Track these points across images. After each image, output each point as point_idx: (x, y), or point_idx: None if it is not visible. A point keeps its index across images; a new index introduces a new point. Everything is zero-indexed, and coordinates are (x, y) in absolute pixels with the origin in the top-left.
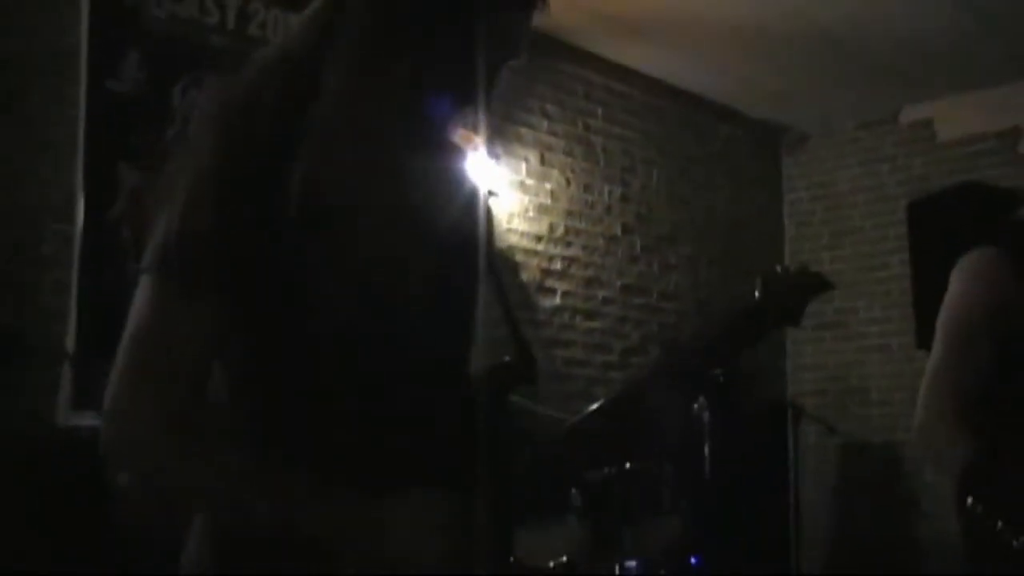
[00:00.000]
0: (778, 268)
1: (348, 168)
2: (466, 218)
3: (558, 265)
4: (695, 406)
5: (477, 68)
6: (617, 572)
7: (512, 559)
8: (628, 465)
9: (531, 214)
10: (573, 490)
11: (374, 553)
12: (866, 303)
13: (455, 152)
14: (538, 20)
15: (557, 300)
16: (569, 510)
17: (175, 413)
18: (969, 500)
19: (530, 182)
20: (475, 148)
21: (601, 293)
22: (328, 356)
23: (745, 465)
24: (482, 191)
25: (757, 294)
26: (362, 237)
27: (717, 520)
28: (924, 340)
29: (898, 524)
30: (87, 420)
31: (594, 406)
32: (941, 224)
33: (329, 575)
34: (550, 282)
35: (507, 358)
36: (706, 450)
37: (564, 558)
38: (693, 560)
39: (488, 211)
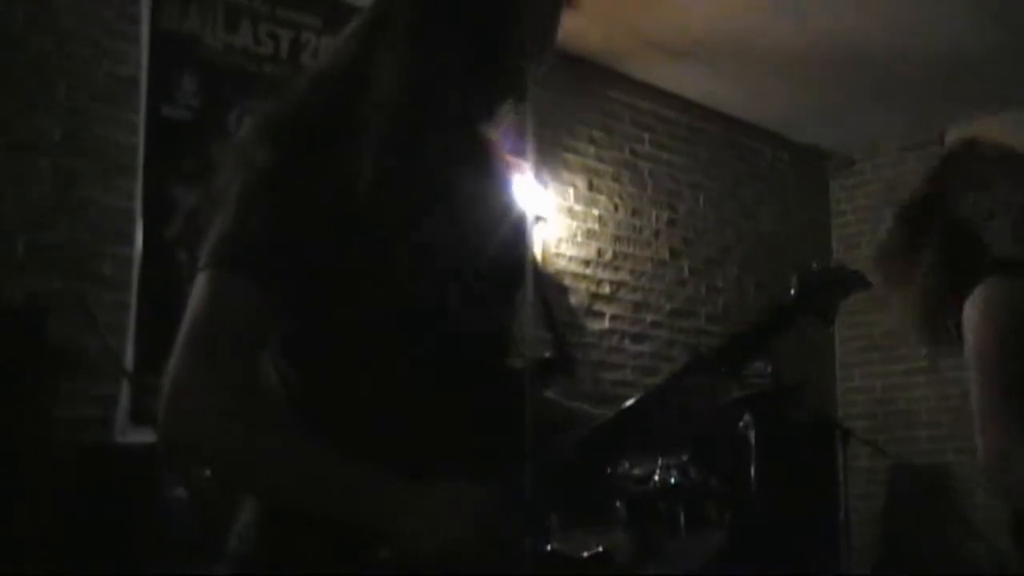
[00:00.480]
0: (815, 265)
1: (398, 177)
2: (511, 230)
3: (606, 289)
4: (741, 424)
5: (514, 69)
6: None
7: (548, 548)
8: (673, 480)
9: (579, 239)
10: (618, 503)
11: (415, 538)
12: None
13: (503, 170)
14: (583, 46)
15: (606, 324)
16: (614, 522)
17: (231, 394)
18: None
19: (578, 207)
20: (522, 172)
21: (649, 317)
22: (377, 349)
23: (792, 483)
24: (523, 203)
25: (793, 291)
26: (411, 240)
27: (763, 536)
28: None
29: (949, 544)
30: (144, 436)
31: (628, 403)
32: None
33: (370, 557)
34: (599, 306)
35: (547, 354)
36: (752, 466)
37: (599, 548)
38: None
39: (527, 222)
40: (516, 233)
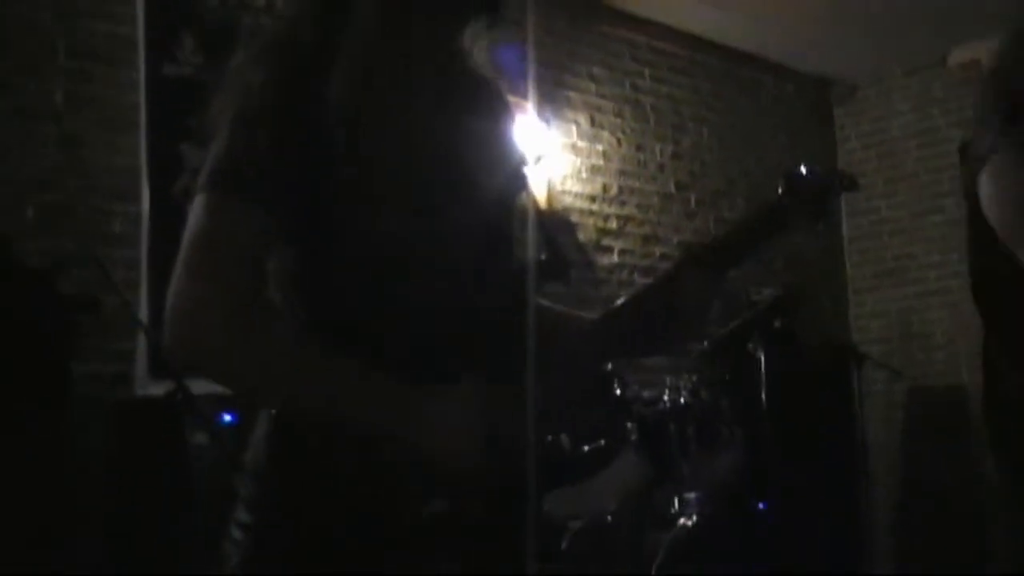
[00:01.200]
0: (803, 168)
1: (384, 102)
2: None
3: (614, 224)
4: (749, 345)
5: None
6: (676, 505)
7: (550, 439)
8: (683, 400)
9: (584, 175)
10: (629, 424)
11: (420, 441)
12: (923, 248)
13: (494, 97)
14: None
15: (615, 258)
16: (626, 444)
17: (235, 303)
18: None
19: (581, 144)
20: (524, 111)
21: (658, 250)
22: (375, 266)
23: (807, 406)
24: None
25: (780, 191)
26: (403, 157)
27: (777, 457)
28: None
29: (968, 463)
30: (163, 389)
31: (619, 301)
32: None
33: (376, 464)
34: (607, 241)
35: (543, 256)
36: (763, 388)
37: (602, 442)
38: (761, 506)
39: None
40: (508, 145)
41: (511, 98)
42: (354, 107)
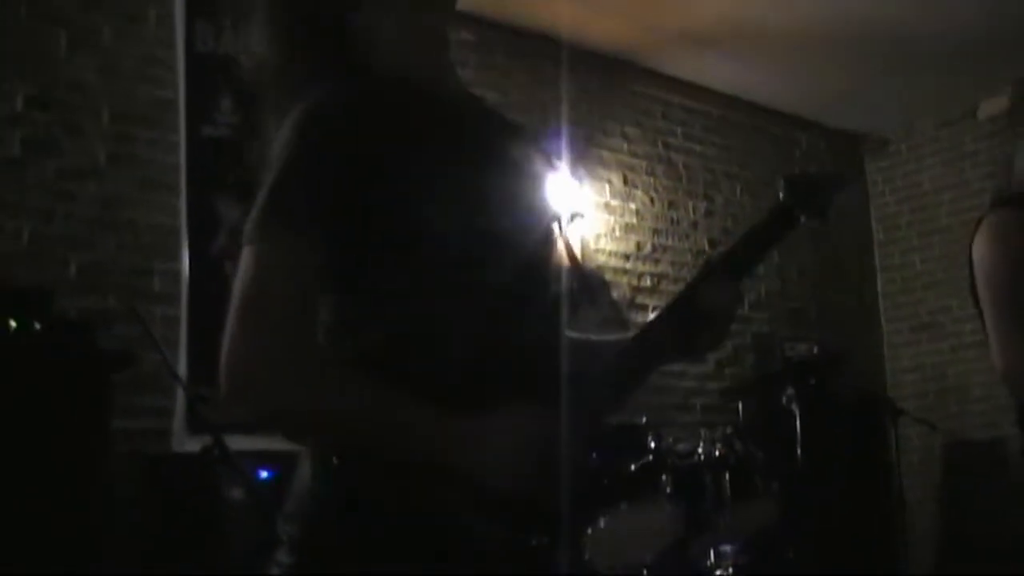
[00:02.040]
0: (798, 171)
1: (424, 158)
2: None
3: (648, 282)
4: (783, 399)
5: None
6: (712, 556)
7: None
8: (717, 452)
9: (617, 234)
10: (664, 476)
11: (474, 469)
12: (959, 301)
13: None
14: (611, 45)
15: (650, 316)
16: (661, 494)
17: (287, 354)
18: None
19: (615, 203)
20: (558, 170)
21: None
22: (421, 303)
23: (842, 460)
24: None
25: (782, 195)
26: (441, 217)
27: (813, 509)
28: None
29: (1008, 517)
30: (199, 444)
31: (650, 319)
32: None
33: (428, 491)
34: (641, 298)
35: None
36: (798, 442)
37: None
38: (797, 558)
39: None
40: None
41: (545, 156)
42: (393, 163)
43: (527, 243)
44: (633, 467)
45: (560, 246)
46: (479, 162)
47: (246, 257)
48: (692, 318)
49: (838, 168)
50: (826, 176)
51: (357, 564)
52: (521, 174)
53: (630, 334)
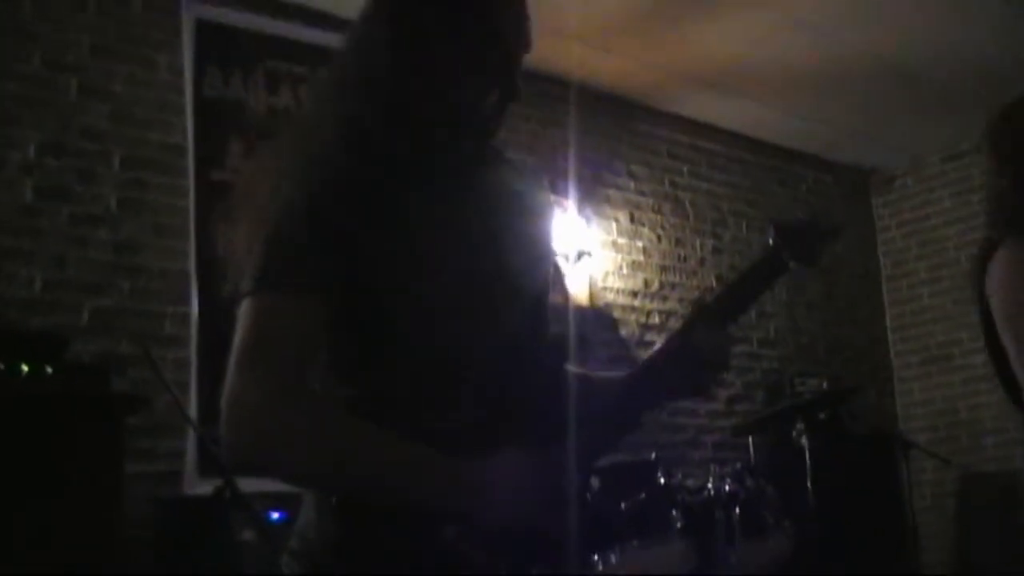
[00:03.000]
0: (788, 218)
1: (426, 198)
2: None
3: (656, 319)
4: (793, 434)
5: (504, 60)
6: None
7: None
8: (728, 488)
9: (625, 271)
10: (674, 512)
11: (486, 511)
12: (969, 334)
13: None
14: (617, 84)
15: None
16: (671, 530)
17: (287, 399)
18: None
19: (622, 241)
20: (565, 210)
21: None
22: (425, 344)
23: (854, 495)
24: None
25: (771, 240)
26: (439, 244)
27: (825, 545)
28: None
29: (1022, 551)
30: (211, 487)
31: (643, 360)
32: None
33: (429, 525)
34: (650, 336)
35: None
36: (808, 477)
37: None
38: None
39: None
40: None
41: (551, 196)
42: (393, 206)
43: (531, 283)
44: (642, 503)
45: (564, 285)
46: (486, 201)
47: (246, 309)
48: (685, 361)
49: (841, 207)
50: (816, 223)
51: None
52: (527, 213)
53: (627, 373)
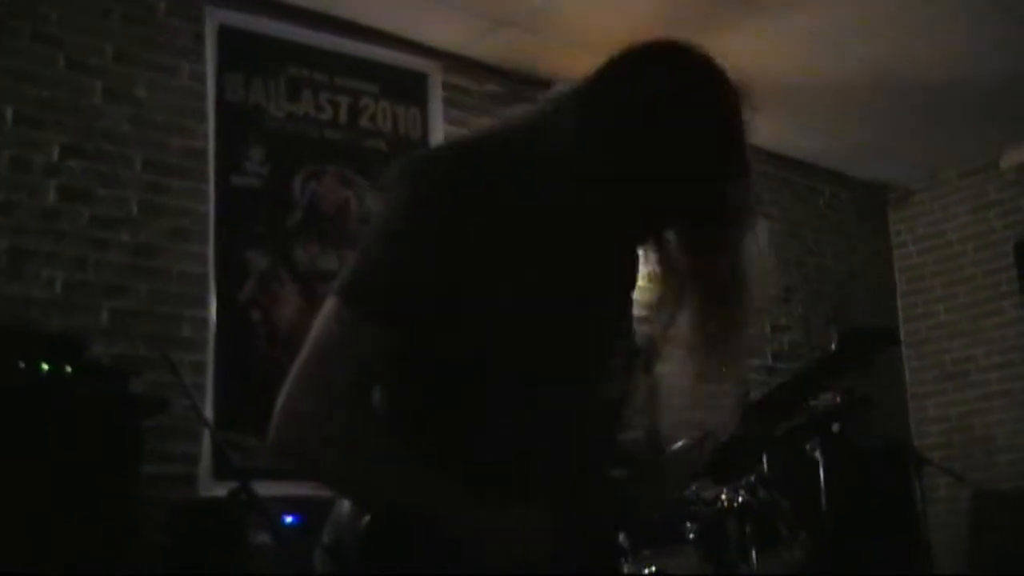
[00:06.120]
0: (852, 325)
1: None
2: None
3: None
4: (807, 447)
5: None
6: None
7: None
8: (741, 499)
9: (640, 283)
10: (687, 523)
11: (493, 556)
12: (984, 351)
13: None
14: None
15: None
16: (685, 541)
17: (341, 415)
18: None
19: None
20: None
21: None
22: (473, 394)
23: (867, 510)
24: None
25: (834, 346)
26: (524, 303)
27: (838, 558)
28: None
29: None
30: (226, 490)
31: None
32: None
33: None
34: (666, 348)
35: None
36: (822, 490)
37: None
38: None
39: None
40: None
41: None
42: (502, 267)
43: (602, 361)
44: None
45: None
46: (584, 278)
47: (333, 311)
48: (730, 453)
49: (857, 222)
50: (877, 332)
51: None
52: (617, 291)
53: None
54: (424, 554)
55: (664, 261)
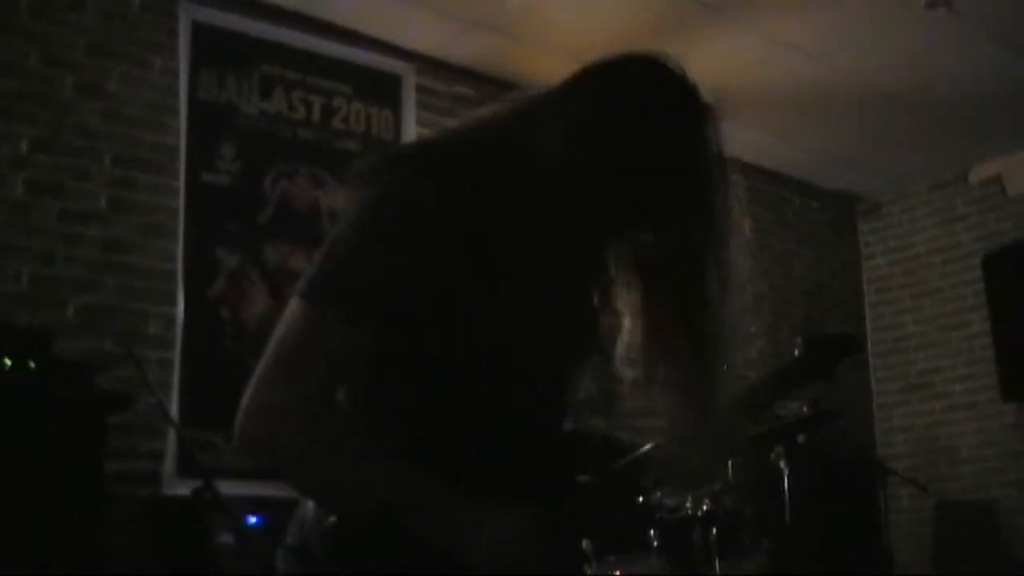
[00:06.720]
0: (818, 333)
1: (498, 252)
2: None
3: (639, 337)
4: (772, 455)
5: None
6: None
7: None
8: (705, 507)
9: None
10: (652, 530)
11: (476, 556)
12: (950, 362)
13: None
14: None
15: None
16: (650, 548)
17: (309, 411)
18: None
19: None
20: None
21: None
22: (445, 391)
23: (831, 519)
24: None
25: (797, 352)
26: (492, 304)
27: (801, 566)
28: (1009, 393)
29: None
30: (190, 488)
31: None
32: (1016, 275)
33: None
34: (636, 353)
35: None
36: (786, 498)
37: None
38: None
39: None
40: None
41: None
42: (473, 270)
43: (571, 356)
44: (621, 520)
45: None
46: (554, 283)
47: (296, 312)
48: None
49: (826, 233)
50: (841, 340)
51: None
52: (581, 292)
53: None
54: (390, 554)
55: (643, 295)
